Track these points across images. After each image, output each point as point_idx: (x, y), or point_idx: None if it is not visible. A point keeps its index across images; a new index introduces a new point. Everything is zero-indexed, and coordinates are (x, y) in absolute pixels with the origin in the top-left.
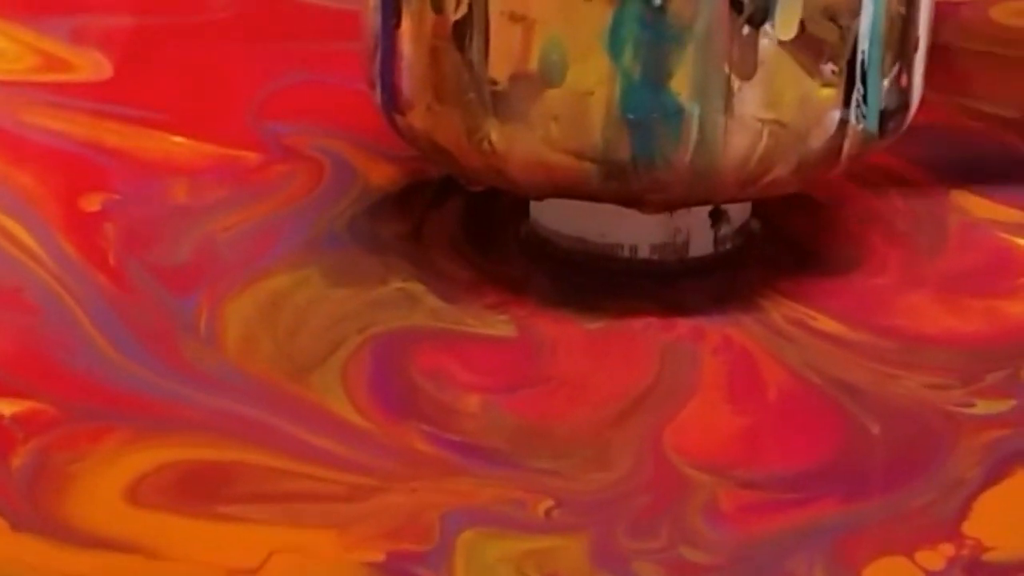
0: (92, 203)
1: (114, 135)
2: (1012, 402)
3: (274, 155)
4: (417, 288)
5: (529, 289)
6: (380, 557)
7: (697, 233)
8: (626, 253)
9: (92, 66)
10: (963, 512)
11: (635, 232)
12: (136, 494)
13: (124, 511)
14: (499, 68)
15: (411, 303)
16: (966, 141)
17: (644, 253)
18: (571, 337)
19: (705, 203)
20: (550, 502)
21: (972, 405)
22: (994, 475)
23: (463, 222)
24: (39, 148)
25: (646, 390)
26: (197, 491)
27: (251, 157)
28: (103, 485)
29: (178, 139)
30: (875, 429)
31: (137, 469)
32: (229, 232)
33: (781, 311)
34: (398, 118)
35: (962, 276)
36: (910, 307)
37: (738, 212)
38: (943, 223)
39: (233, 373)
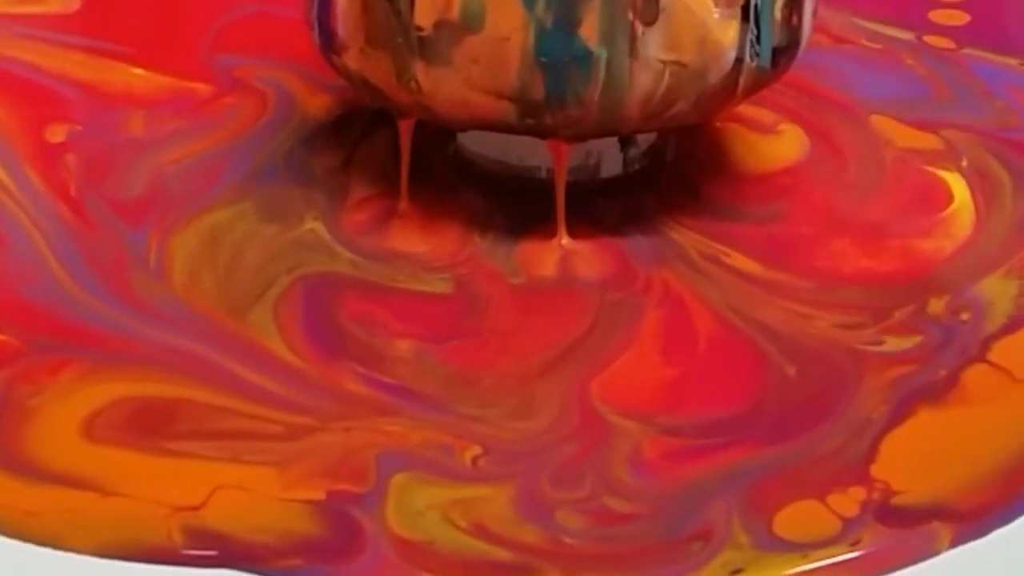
0: (57, 134)
1: (79, 67)
2: (918, 338)
3: (224, 87)
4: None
5: (456, 207)
6: (320, 496)
7: (608, 156)
8: (543, 174)
9: None
10: (871, 455)
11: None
12: (91, 429)
13: (79, 446)
14: (424, 16)
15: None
16: (872, 64)
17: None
18: (503, 288)
19: (613, 135)
20: (477, 449)
21: (882, 343)
22: (899, 415)
23: (393, 151)
24: (9, 79)
25: (577, 341)
26: (146, 427)
27: (203, 89)
28: (60, 420)
29: (138, 71)
30: (791, 371)
31: (92, 404)
32: (178, 165)
33: (691, 242)
34: (334, 58)
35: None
36: (827, 249)
37: (645, 136)
38: (866, 153)
39: (179, 308)
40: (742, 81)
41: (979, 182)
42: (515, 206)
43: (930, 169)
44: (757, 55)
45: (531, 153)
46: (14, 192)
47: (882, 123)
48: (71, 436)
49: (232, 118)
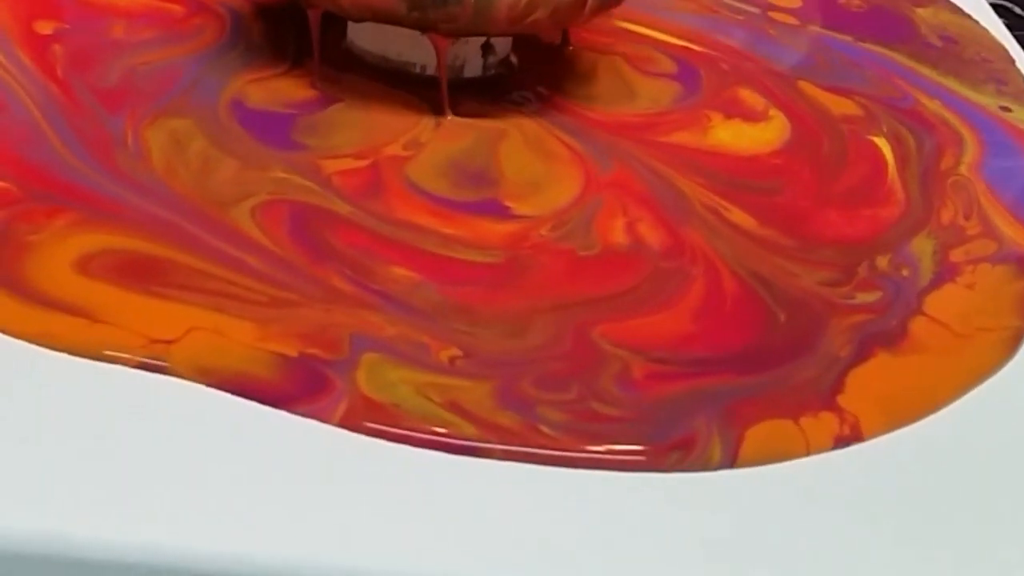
0: (45, 28)
1: None
2: (879, 293)
3: (193, 8)
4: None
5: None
6: (292, 353)
7: (471, 60)
8: (417, 70)
9: None
10: (838, 386)
11: (425, 55)
12: (85, 267)
13: (74, 279)
14: None
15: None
16: (754, 33)
17: (430, 71)
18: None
19: (483, 34)
20: (456, 351)
21: (854, 297)
22: (861, 354)
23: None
24: None
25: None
26: (136, 273)
27: (177, 9)
28: (57, 255)
29: None
30: (782, 317)
31: (87, 247)
32: (147, 66)
33: (695, 193)
34: None
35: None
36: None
37: (502, 48)
38: (826, 127)
39: (161, 187)
40: (590, 1)
41: (897, 146)
42: (398, 93)
43: (870, 137)
44: None
45: (408, 51)
46: (10, 68)
47: (809, 90)
48: (66, 270)
49: (197, 36)
